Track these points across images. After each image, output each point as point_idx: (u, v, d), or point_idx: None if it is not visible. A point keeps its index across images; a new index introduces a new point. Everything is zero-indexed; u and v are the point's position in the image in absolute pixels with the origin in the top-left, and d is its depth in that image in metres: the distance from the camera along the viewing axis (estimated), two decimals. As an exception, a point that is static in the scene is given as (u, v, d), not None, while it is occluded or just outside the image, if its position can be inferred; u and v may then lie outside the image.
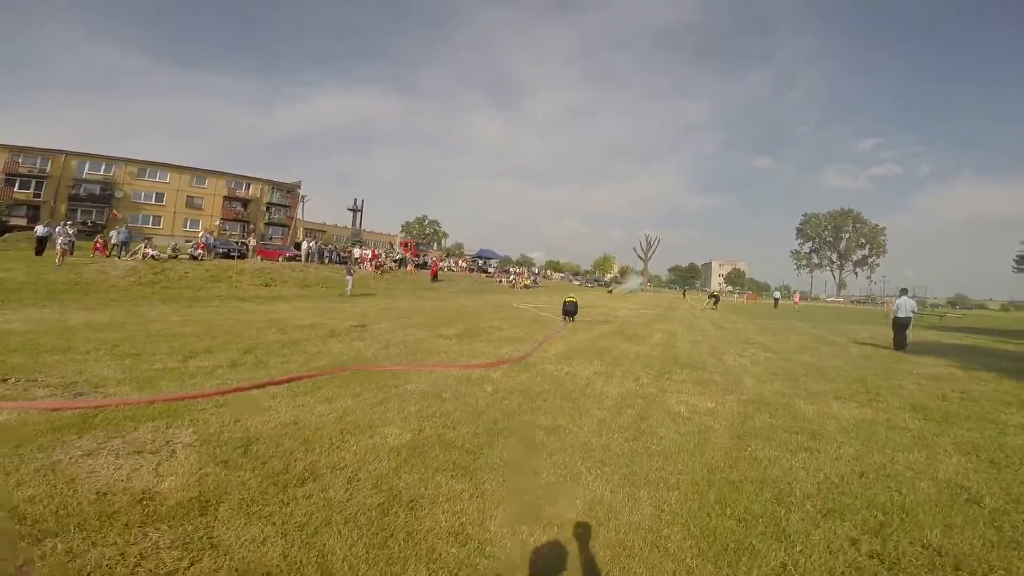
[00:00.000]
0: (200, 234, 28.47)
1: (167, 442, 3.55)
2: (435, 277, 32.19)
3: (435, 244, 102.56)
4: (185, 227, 55.72)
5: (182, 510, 2.61)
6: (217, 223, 57.83)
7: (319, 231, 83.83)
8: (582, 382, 6.33)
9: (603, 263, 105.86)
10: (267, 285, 21.17)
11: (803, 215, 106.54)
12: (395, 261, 35.04)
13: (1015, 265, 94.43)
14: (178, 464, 3.19)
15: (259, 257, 29.74)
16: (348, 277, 22.32)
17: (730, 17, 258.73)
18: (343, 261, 32.51)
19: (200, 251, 25.14)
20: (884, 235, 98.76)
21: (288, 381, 5.53)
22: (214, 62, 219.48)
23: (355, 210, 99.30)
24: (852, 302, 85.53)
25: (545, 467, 3.52)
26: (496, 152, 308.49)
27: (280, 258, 31.17)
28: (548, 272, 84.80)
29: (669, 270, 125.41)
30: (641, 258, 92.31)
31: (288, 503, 2.78)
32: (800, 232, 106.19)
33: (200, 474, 3.06)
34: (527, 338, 10.45)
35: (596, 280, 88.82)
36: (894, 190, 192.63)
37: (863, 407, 5.76)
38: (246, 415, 4.29)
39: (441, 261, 43.69)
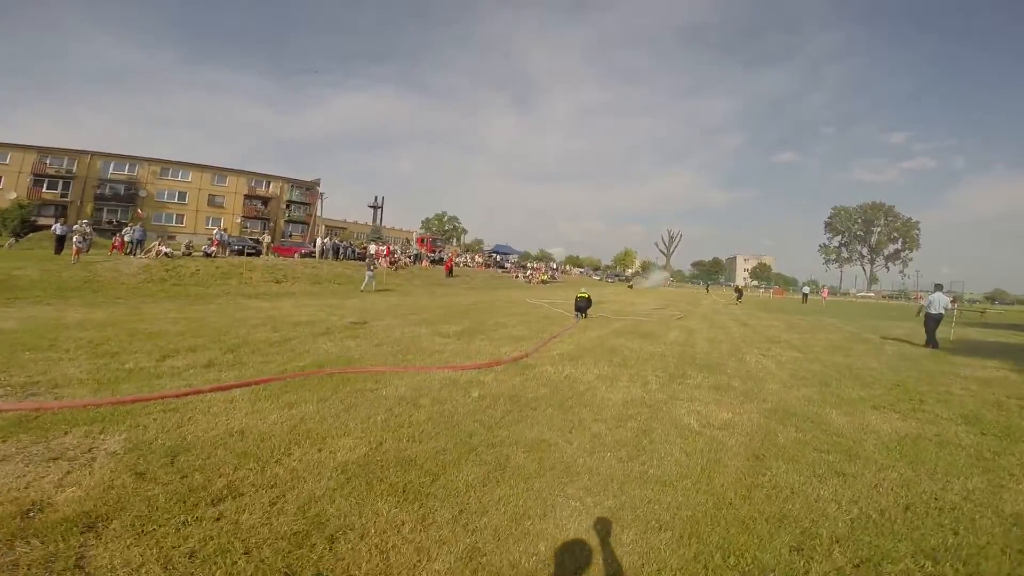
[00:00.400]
0: (215, 231, 28.52)
1: (90, 449, 3.28)
2: (450, 273, 31.77)
3: (454, 240, 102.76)
4: (207, 225, 56.53)
5: (66, 525, 2.34)
6: (238, 221, 58.76)
7: (340, 228, 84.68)
8: (582, 387, 5.69)
9: (623, 258, 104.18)
10: (278, 282, 20.99)
11: (832, 208, 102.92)
12: (410, 257, 34.73)
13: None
14: (90, 473, 2.91)
15: (275, 254, 29.78)
16: (368, 273, 22.38)
17: (753, 13, 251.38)
18: (360, 257, 32.41)
19: (214, 248, 25.14)
20: (918, 229, 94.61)
21: (254, 384, 5.06)
22: (234, 61, 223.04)
23: (376, 207, 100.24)
24: (884, 297, 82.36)
25: (515, 495, 2.91)
26: (514, 150, 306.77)
27: (296, 255, 31.26)
28: (567, 267, 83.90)
29: (692, 265, 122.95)
30: (663, 253, 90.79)
31: (189, 525, 2.40)
32: (829, 226, 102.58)
33: (107, 486, 2.76)
34: (533, 336, 9.84)
35: (616, 275, 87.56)
36: (928, 184, 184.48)
37: (906, 418, 4.99)
38: (191, 421, 3.90)
39: (457, 257, 43.33)
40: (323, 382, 5.29)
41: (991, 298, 79.34)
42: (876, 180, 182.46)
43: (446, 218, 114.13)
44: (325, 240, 30.80)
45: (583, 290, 14.69)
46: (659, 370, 6.84)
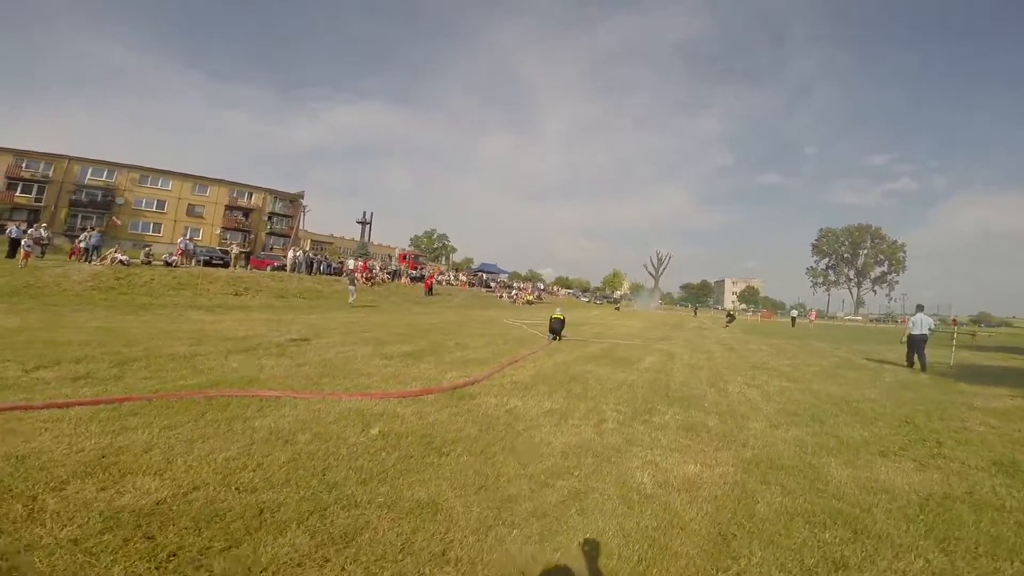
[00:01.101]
0: (179, 240, 27.23)
1: None
2: (430, 291, 30.59)
3: (443, 258, 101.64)
4: (185, 235, 54.94)
5: None
6: (218, 232, 57.26)
7: (326, 243, 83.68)
8: (522, 425, 4.56)
9: (612, 280, 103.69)
10: (237, 294, 19.71)
11: (819, 230, 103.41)
12: (389, 273, 33.54)
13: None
14: None
15: (249, 266, 28.48)
16: (351, 288, 22.17)
17: (741, 34, 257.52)
18: (336, 273, 31.19)
19: (176, 258, 23.84)
20: (903, 251, 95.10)
21: (104, 402, 4.05)
22: (228, 72, 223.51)
23: (364, 223, 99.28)
24: (871, 320, 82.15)
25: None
26: (506, 168, 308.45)
27: (268, 268, 30.04)
28: (555, 288, 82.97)
29: (681, 287, 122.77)
30: (652, 275, 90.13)
31: None
32: (816, 248, 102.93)
33: None
34: (493, 359, 8.72)
35: (604, 297, 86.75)
36: (911, 206, 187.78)
37: (924, 468, 3.92)
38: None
39: (441, 274, 42.21)
40: (190, 406, 4.21)
41: (976, 321, 79.37)
42: (860, 203, 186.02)
43: (435, 235, 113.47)
44: (299, 253, 29.54)
45: (558, 311, 13.62)
46: (623, 403, 5.73)
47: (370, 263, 33.27)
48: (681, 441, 4.31)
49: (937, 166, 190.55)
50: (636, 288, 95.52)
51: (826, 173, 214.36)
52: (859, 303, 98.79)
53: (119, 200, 52.34)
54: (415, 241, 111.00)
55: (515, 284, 57.17)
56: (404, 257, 41.04)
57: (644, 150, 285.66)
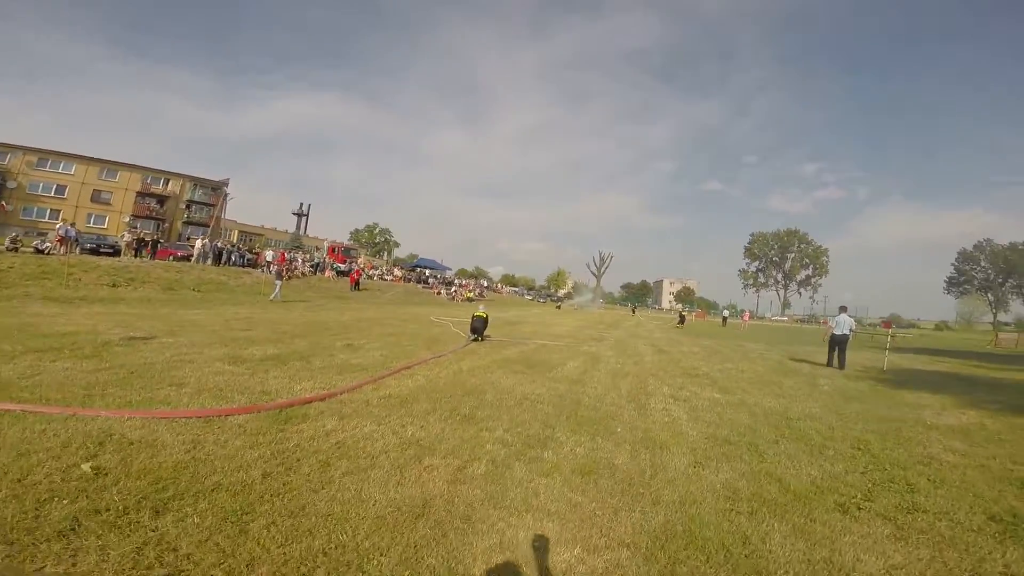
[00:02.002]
0: (58, 225, 23.66)
1: None
2: (356, 285, 28.37)
3: (385, 253, 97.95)
4: (89, 223, 49.67)
5: None
6: (127, 220, 51.80)
7: (256, 234, 78.47)
8: (345, 466, 3.07)
9: (556, 278, 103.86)
10: (115, 286, 16.90)
11: (751, 234, 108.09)
12: (311, 266, 30.93)
13: (945, 287, 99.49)
14: None
15: (152, 256, 25.15)
16: (277, 282, 20.38)
17: (689, 48, 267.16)
18: (250, 264, 28.31)
19: (50, 244, 20.51)
20: (827, 256, 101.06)
21: None
22: (168, 55, 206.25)
23: (300, 214, 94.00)
24: (796, 321, 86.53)
25: None
26: (459, 168, 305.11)
27: (170, 257, 26.93)
28: (500, 286, 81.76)
29: (622, 287, 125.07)
30: (594, 274, 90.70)
31: None
32: (748, 251, 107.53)
33: None
34: (380, 365, 7.16)
35: (548, 295, 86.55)
36: (835, 213, 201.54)
37: (903, 534, 2.75)
38: None
39: (373, 269, 39.84)
40: None
41: (887, 322, 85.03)
42: (791, 210, 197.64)
43: (377, 230, 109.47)
44: (206, 242, 26.51)
45: (481, 308, 12.18)
46: (515, 429, 4.33)
47: (290, 254, 30.48)
48: (568, 497, 2.94)
49: (861, 177, 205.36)
50: (579, 287, 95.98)
51: (762, 180, 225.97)
52: (785, 304, 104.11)
53: (10, 184, 46.30)
54: (355, 235, 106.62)
55: (457, 281, 55.40)
56: (332, 250, 38.27)
57: (596, 154, 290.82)
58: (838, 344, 11.26)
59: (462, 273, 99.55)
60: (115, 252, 24.33)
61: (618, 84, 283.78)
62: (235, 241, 61.29)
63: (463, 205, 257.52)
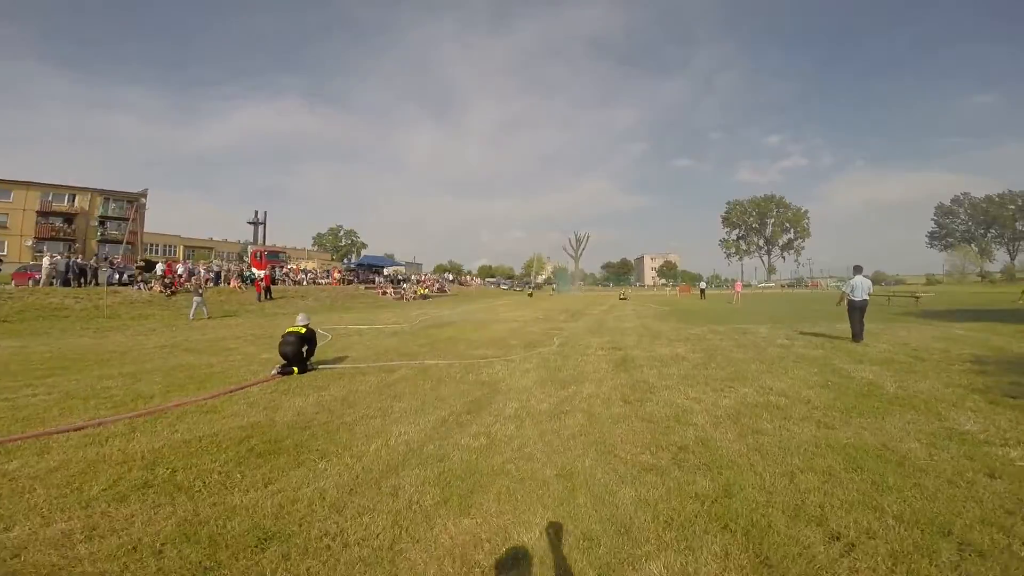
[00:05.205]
0: None
1: None
2: (266, 294, 23.08)
3: (351, 255, 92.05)
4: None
5: None
6: (29, 244, 45.38)
7: (206, 248, 72.72)
8: None
9: (532, 264, 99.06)
10: None
11: (727, 203, 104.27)
12: (214, 274, 25.40)
13: (928, 241, 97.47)
14: None
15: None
16: (196, 299, 17.85)
17: (651, 28, 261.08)
18: (131, 281, 22.75)
19: None
20: (807, 218, 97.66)
21: None
22: (111, 72, 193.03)
23: (256, 223, 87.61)
24: (783, 286, 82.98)
25: None
26: (432, 165, 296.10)
27: (29, 281, 21.53)
28: (468, 278, 76.60)
29: (602, 267, 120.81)
30: (571, 256, 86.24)
31: None
32: (726, 220, 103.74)
33: None
34: None
35: (526, 283, 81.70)
36: (803, 181, 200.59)
37: None
38: None
39: (302, 272, 34.36)
40: None
41: (874, 280, 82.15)
42: (759, 180, 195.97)
43: (342, 232, 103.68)
44: (56, 259, 20.89)
45: (300, 317, 7.11)
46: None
47: (176, 265, 24.87)
48: None
49: (823, 144, 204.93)
50: (559, 271, 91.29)
51: (730, 155, 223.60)
52: (771, 270, 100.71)
53: None
54: (319, 239, 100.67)
55: (414, 277, 50.08)
56: (256, 255, 32.69)
57: (570, 141, 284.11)
58: (859, 311, 9.73)
59: (439, 269, 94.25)
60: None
61: (582, 72, 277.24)
62: (181, 257, 55.27)
63: (440, 203, 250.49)
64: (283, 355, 6.55)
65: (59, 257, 21.39)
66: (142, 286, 21.61)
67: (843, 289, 10.44)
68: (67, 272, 20.67)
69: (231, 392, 5.49)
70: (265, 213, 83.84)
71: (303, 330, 6.76)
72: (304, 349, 6.72)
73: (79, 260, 22.06)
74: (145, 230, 56.23)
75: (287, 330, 6.81)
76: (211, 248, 75.03)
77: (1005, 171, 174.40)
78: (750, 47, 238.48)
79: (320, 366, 6.92)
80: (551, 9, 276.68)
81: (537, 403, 4.90)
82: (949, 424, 4.22)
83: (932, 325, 12.58)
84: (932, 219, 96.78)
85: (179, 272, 23.47)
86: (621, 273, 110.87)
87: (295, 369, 6.46)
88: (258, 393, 5.49)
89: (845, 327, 9.98)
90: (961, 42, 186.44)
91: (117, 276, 22.72)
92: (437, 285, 46.90)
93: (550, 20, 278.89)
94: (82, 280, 21.07)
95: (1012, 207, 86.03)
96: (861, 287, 9.88)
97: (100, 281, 21.96)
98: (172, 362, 7.91)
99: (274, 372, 6.43)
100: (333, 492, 2.99)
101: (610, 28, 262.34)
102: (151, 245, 60.77)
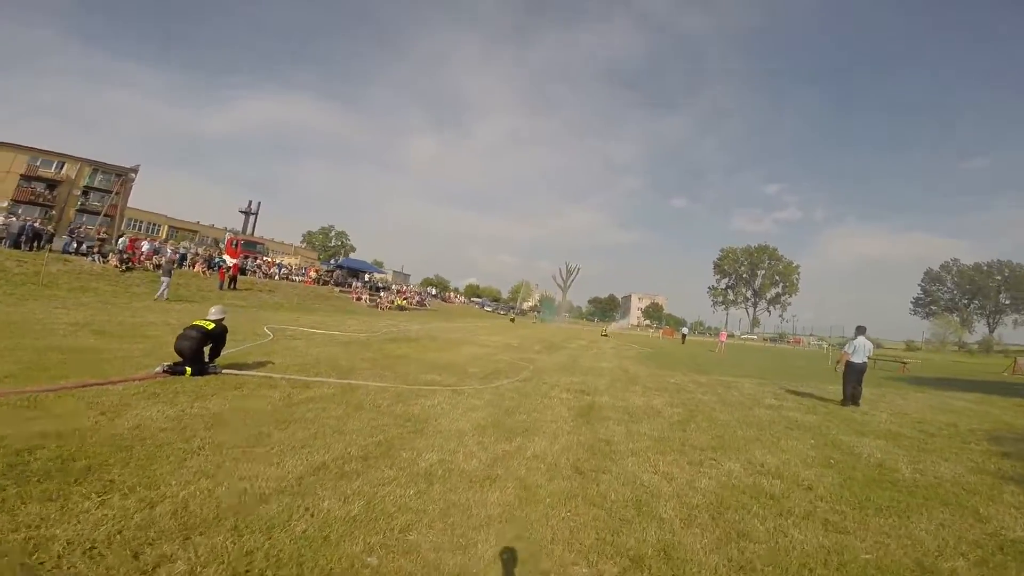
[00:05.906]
0: None
1: None
2: (231, 283, 21.78)
3: (339, 256, 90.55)
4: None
5: None
6: (5, 204, 43.61)
7: (190, 230, 71.34)
8: None
9: (519, 290, 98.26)
10: None
11: (721, 249, 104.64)
12: (179, 256, 24.04)
13: (912, 307, 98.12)
14: None
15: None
16: (164, 279, 17.42)
17: (666, 61, 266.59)
18: (91, 251, 21.34)
19: None
20: (797, 274, 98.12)
21: None
22: (129, 48, 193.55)
23: (248, 212, 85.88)
24: (765, 340, 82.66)
25: None
26: (430, 174, 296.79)
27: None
28: (452, 295, 75.33)
29: (589, 301, 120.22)
30: (560, 287, 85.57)
31: None
32: (717, 267, 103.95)
33: None
34: None
35: (512, 307, 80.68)
36: (796, 233, 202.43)
37: None
38: None
39: (275, 266, 33.04)
40: None
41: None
42: (754, 229, 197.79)
43: (332, 233, 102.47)
44: (12, 219, 19.55)
45: (213, 313, 5.97)
46: None
47: (142, 241, 23.49)
48: None
49: (820, 198, 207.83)
50: (546, 300, 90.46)
51: (726, 200, 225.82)
52: (755, 323, 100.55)
53: None
54: (309, 237, 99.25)
55: (395, 287, 48.77)
56: (231, 243, 31.38)
57: (567, 167, 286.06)
58: (856, 375, 9.05)
59: (426, 283, 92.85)
60: None
61: (588, 98, 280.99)
62: (164, 237, 53.43)
63: (433, 214, 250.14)
64: (177, 350, 5.40)
65: (14, 219, 19.98)
66: (98, 258, 20.22)
67: (845, 349, 9.64)
68: (20, 235, 19.32)
69: (84, 387, 4.34)
70: (259, 204, 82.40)
71: (211, 326, 5.64)
72: (208, 348, 5.59)
73: (35, 224, 20.65)
74: (134, 206, 54.61)
75: (192, 323, 5.67)
76: (196, 231, 73.72)
77: (998, 237, 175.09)
78: (757, 91, 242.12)
79: (225, 370, 5.77)
80: (568, 34, 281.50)
81: (465, 458, 3.80)
82: (994, 528, 3.28)
83: (926, 393, 11.83)
84: (919, 284, 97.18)
85: (143, 248, 22.08)
86: (607, 309, 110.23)
87: (188, 369, 5.31)
88: (117, 393, 4.34)
89: (835, 388, 9.11)
90: (968, 110, 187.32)
91: (75, 245, 21.31)
92: (418, 298, 45.67)
93: (567, 44, 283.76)
94: (35, 244, 19.68)
95: (999, 278, 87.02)
96: (863, 348, 9.25)
97: (56, 248, 20.58)
98: (65, 343, 6.71)
99: (159, 369, 5.28)
100: (59, 547, 1.91)
101: (624, 57, 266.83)
102: (134, 221, 59.13)
